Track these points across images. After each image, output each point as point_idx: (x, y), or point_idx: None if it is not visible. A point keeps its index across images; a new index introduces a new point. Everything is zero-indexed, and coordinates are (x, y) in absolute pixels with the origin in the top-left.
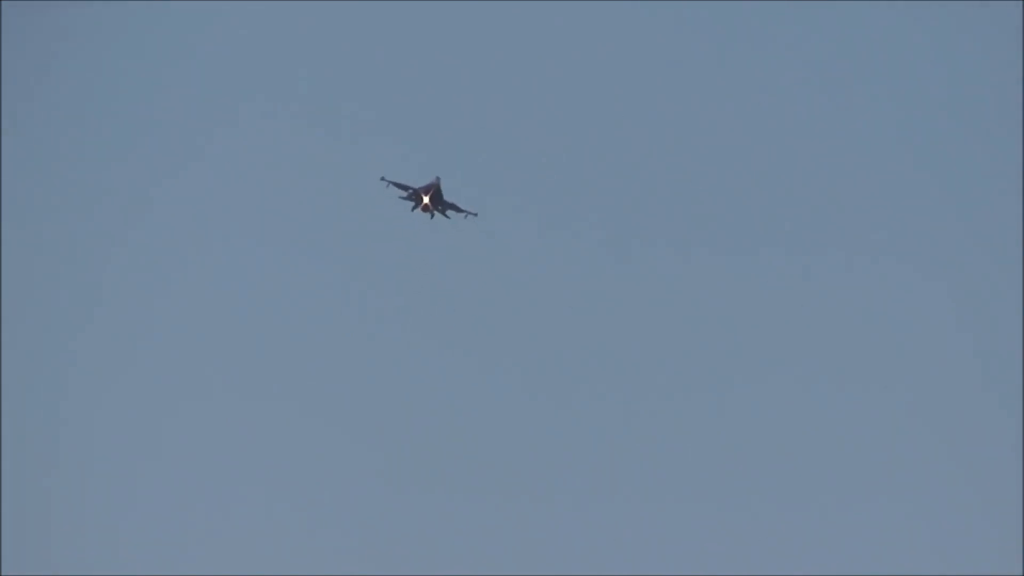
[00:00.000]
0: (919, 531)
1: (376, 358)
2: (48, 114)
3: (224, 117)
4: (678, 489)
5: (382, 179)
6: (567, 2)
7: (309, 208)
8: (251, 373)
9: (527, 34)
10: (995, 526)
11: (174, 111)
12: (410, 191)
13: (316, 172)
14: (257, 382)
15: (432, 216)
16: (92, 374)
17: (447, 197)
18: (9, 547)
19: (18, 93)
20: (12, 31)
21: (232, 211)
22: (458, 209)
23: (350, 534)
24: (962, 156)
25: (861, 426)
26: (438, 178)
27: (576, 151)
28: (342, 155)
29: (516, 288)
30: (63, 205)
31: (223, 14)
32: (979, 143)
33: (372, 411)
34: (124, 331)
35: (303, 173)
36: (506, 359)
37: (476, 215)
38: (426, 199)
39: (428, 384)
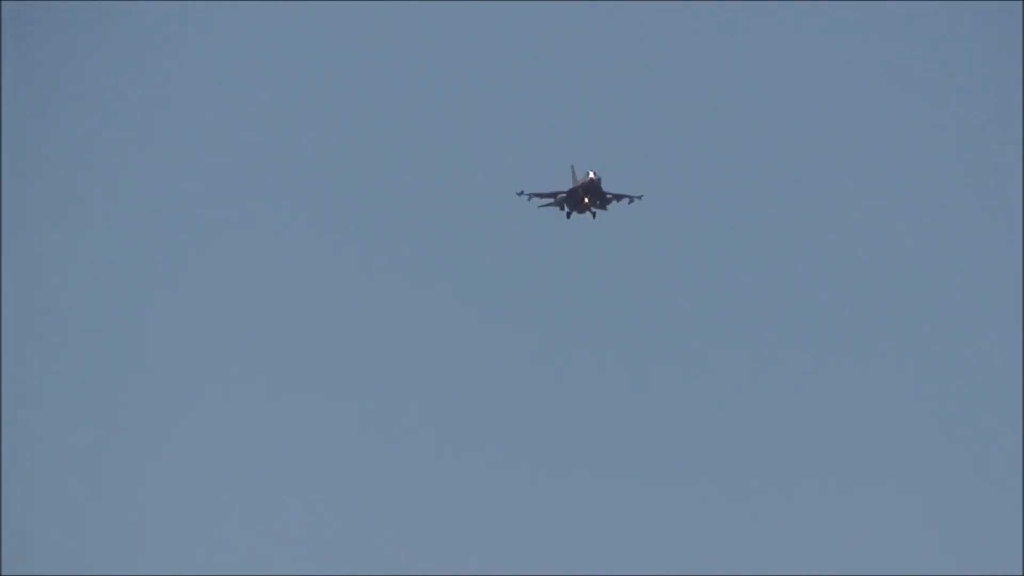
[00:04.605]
0: (919, 531)
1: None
2: (48, 114)
3: (224, 115)
4: None
5: (520, 193)
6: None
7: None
8: (250, 375)
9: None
10: (995, 526)
11: (174, 110)
12: (560, 195)
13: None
14: (257, 383)
15: (595, 216)
16: (93, 375)
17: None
18: (9, 547)
19: (18, 93)
20: (12, 31)
21: (232, 209)
22: (620, 197)
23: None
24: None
25: (864, 421)
26: (593, 171)
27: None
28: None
29: None
30: (63, 205)
31: (224, 14)
32: (978, 148)
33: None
34: (124, 330)
35: (320, 168)
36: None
37: (641, 198)
38: (587, 198)
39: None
